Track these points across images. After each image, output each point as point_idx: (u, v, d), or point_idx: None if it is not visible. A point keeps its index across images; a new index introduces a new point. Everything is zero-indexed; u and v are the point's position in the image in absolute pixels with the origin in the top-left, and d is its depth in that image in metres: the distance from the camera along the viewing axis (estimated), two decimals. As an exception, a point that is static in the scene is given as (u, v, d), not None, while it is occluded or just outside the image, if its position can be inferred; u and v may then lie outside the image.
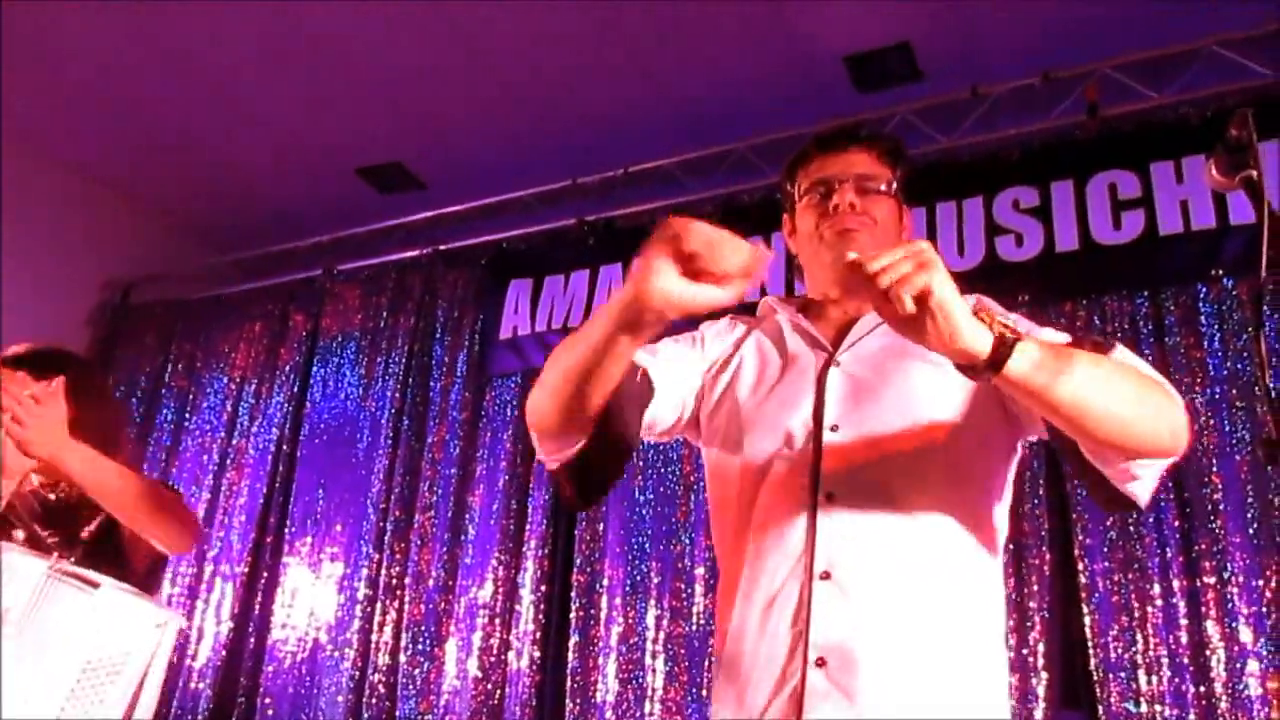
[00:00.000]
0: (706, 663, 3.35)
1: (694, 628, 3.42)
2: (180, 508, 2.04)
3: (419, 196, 4.94)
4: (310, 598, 4.10)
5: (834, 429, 1.34)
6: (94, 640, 1.78)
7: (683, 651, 3.41)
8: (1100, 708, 2.83)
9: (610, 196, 4.21)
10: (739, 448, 1.41)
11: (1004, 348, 1.09)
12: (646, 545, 3.59)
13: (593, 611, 3.59)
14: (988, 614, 1.31)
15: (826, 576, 1.27)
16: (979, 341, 1.08)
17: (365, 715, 3.82)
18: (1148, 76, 3.44)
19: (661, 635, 3.45)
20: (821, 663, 1.23)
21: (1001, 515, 1.38)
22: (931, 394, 1.34)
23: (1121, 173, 3.22)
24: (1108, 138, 3.32)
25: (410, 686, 3.79)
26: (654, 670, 3.42)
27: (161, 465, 4.65)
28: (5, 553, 1.79)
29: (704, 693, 3.32)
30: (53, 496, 2.09)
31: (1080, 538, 2.98)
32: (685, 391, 1.47)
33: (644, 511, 3.63)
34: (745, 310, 1.58)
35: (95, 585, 1.83)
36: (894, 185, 1.50)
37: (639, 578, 3.56)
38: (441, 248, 4.46)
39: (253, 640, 4.16)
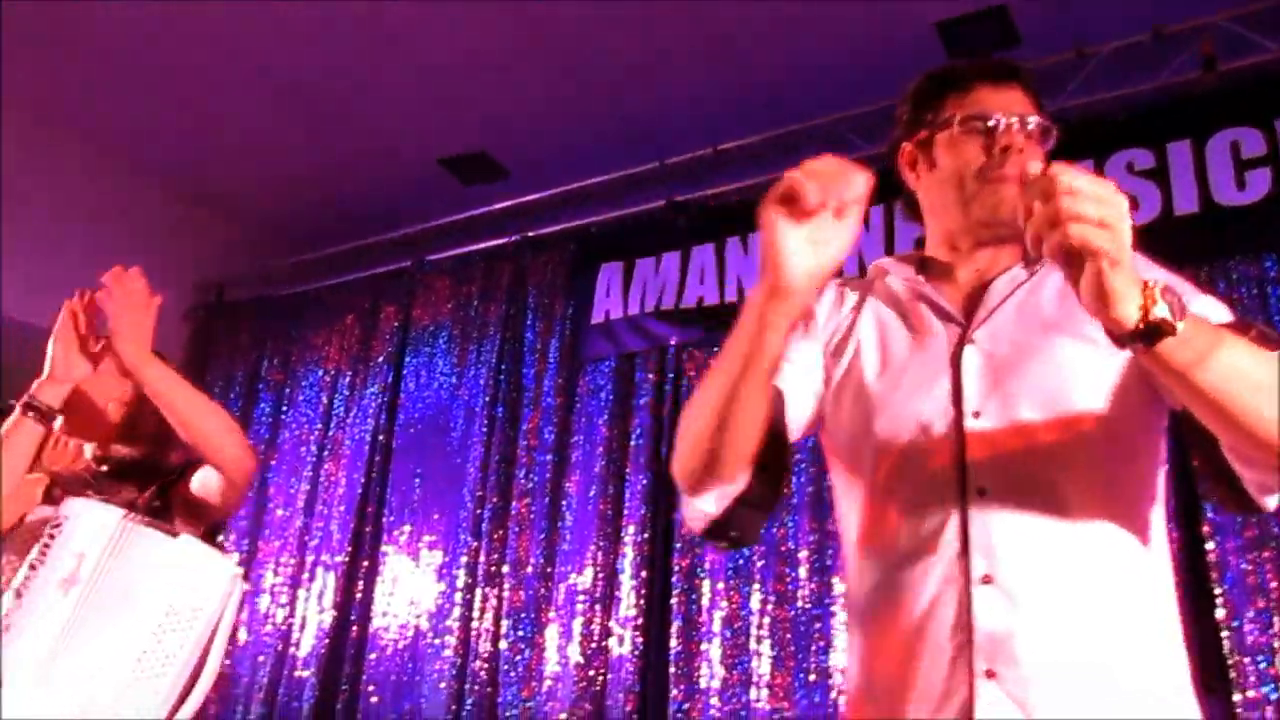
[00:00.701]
0: (813, 646, 3.28)
1: (799, 611, 3.35)
2: (242, 434, 2.03)
3: (503, 185, 4.94)
4: (410, 586, 4.12)
5: (976, 415, 1.22)
6: (175, 587, 1.79)
7: (788, 635, 3.35)
8: (1236, 693, 2.69)
9: (699, 177, 4.14)
10: (867, 437, 1.28)
11: (1163, 326, 0.95)
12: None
13: (694, 596, 3.54)
14: (1162, 609, 1.20)
15: (988, 580, 1.15)
16: (1129, 313, 0.95)
17: (468, 702, 3.83)
18: (1267, 27, 3.26)
19: (766, 619, 3.39)
20: (991, 674, 1.12)
21: (1161, 498, 1.25)
22: (1079, 371, 1.21)
23: (1244, 130, 3.05)
24: (1228, 93, 3.16)
25: (512, 673, 3.79)
26: (759, 654, 3.36)
27: (260, 458, 4.71)
28: (76, 500, 1.80)
29: (811, 677, 3.25)
30: (105, 468, 2.11)
31: (1209, 514, 2.84)
32: (816, 383, 1.35)
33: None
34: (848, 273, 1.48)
35: (175, 534, 1.84)
36: (1051, 135, 1.35)
37: (741, 561, 3.50)
38: (530, 234, 4.44)
39: (355, 629, 4.20)
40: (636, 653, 3.58)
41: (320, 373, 4.85)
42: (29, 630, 1.68)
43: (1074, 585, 1.15)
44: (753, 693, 3.33)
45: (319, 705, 4.13)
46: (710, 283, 3.87)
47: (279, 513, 4.61)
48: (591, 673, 3.66)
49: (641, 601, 3.63)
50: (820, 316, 1.42)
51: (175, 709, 1.79)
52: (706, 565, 3.55)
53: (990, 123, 1.32)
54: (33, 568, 1.71)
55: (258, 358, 5.10)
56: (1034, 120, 1.34)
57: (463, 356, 4.43)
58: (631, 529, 3.74)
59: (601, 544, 3.79)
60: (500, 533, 4.03)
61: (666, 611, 3.59)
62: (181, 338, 5.54)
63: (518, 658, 3.81)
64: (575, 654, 3.70)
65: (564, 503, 3.95)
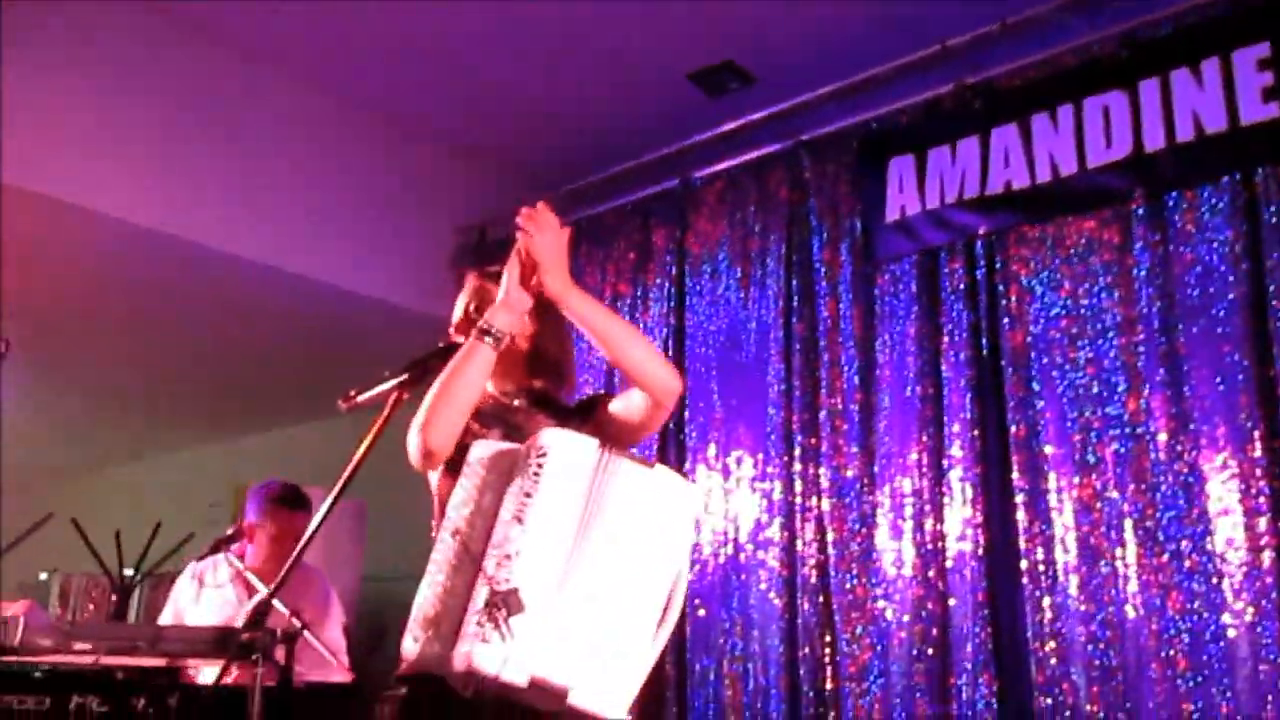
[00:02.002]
0: (1185, 534, 3.12)
1: (1162, 497, 3.19)
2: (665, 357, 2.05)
3: (756, 92, 4.83)
4: (724, 502, 4.16)
5: None
6: (660, 515, 1.82)
7: (1151, 524, 3.19)
8: None
9: (986, 54, 3.91)
10: None
11: None
12: (1088, 410, 3.37)
13: (1041, 489, 3.42)
14: None
15: None
16: None
17: (802, 611, 3.86)
18: None
19: (1126, 506, 3.25)
20: None
21: None
22: None
23: None
24: None
25: (845, 582, 3.79)
26: (1122, 543, 3.23)
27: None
28: (553, 430, 1.84)
29: (1186, 564, 3.10)
30: (517, 402, 2.15)
31: None
32: None
33: (1082, 376, 3.40)
34: None
35: (651, 464, 1.87)
36: None
37: (1088, 449, 3.36)
38: (803, 138, 4.32)
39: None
40: (979, 551, 3.51)
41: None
42: (536, 558, 1.73)
43: None
44: (1120, 585, 3.21)
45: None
46: (1018, 165, 3.67)
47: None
48: (931, 574, 3.61)
49: (979, 498, 3.55)
50: None
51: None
52: (1049, 456, 3.42)
53: None
54: (527, 495, 1.77)
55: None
56: None
57: (746, 270, 4.39)
58: (957, 426, 3.64)
59: (925, 443, 3.71)
60: (813, 441, 4.00)
61: (1009, 508, 3.49)
62: (450, 281, 5.74)
63: (847, 568, 3.80)
64: (909, 556, 3.66)
65: (875, 407, 3.88)
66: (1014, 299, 3.61)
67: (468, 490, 1.86)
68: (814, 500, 3.94)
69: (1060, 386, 3.44)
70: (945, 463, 3.65)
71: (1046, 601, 3.33)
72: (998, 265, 3.67)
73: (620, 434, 2.04)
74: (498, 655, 1.66)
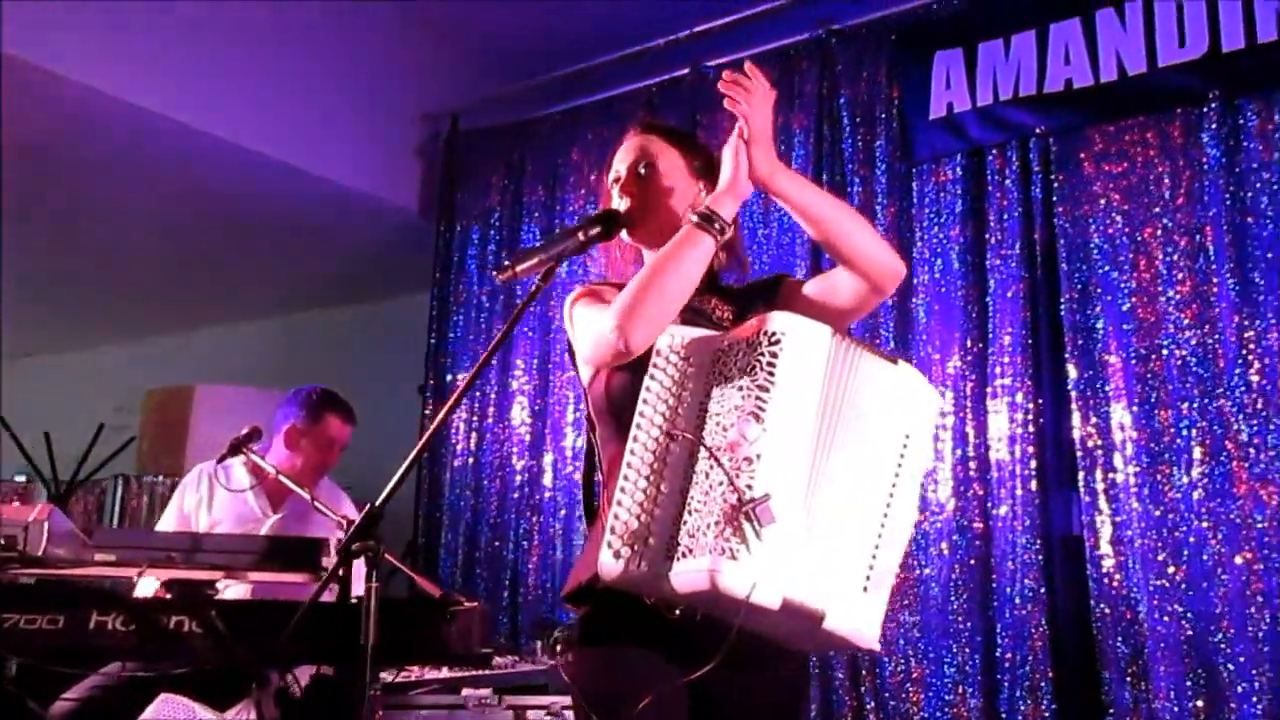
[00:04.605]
0: (1250, 446, 3.07)
1: (1229, 405, 3.11)
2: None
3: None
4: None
5: None
6: (905, 415, 1.61)
7: (1219, 430, 3.12)
8: None
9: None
10: None
11: None
12: (1152, 317, 3.28)
13: (1100, 398, 3.31)
14: None
15: None
16: None
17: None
18: None
19: (1192, 415, 3.17)
20: None
21: None
22: None
23: None
24: None
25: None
26: (1189, 452, 3.15)
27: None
28: (781, 314, 1.59)
29: (1263, 473, 3.05)
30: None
31: None
32: None
33: (1146, 281, 3.29)
34: None
35: (894, 360, 1.66)
36: None
37: (1151, 356, 3.26)
38: (834, 27, 4.06)
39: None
40: (1031, 462, 3.40)
41: (586, 194, 4.60)
42: (782, 461, 1.47)
43: None
44: (1187, 493, 3.15)
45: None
46: (1080, 62, 3.50)
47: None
48: (974, 487, 3.50)
49: (1029, 407, 3.43)
50: None
51: None
52: (1109, 364, 3.31)
53: None
54: (762, 389, 1.51)
55: (518, 184, 4.86)
56: None
57: (768, 166, 4.13)
58: (1007, 338, 3.49)
59: (970, 348, 3.56)
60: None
61: (1064, 416, 3.40)
62: (417, 170, 5.32)
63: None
64: (949, 468, 3.55)
65: (913, 312, 3.71)
66: (1072, 201, 3.47)
67: (664, 384, 1.58)
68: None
69: (1122, 294, 3.34)
70: (994, 370, 3.52)
71: (1105, 513, 3.26)
72: (1053, 166, 3.52)
73: (818, 319, 1.79)
74: (747, 574, 1.40)
